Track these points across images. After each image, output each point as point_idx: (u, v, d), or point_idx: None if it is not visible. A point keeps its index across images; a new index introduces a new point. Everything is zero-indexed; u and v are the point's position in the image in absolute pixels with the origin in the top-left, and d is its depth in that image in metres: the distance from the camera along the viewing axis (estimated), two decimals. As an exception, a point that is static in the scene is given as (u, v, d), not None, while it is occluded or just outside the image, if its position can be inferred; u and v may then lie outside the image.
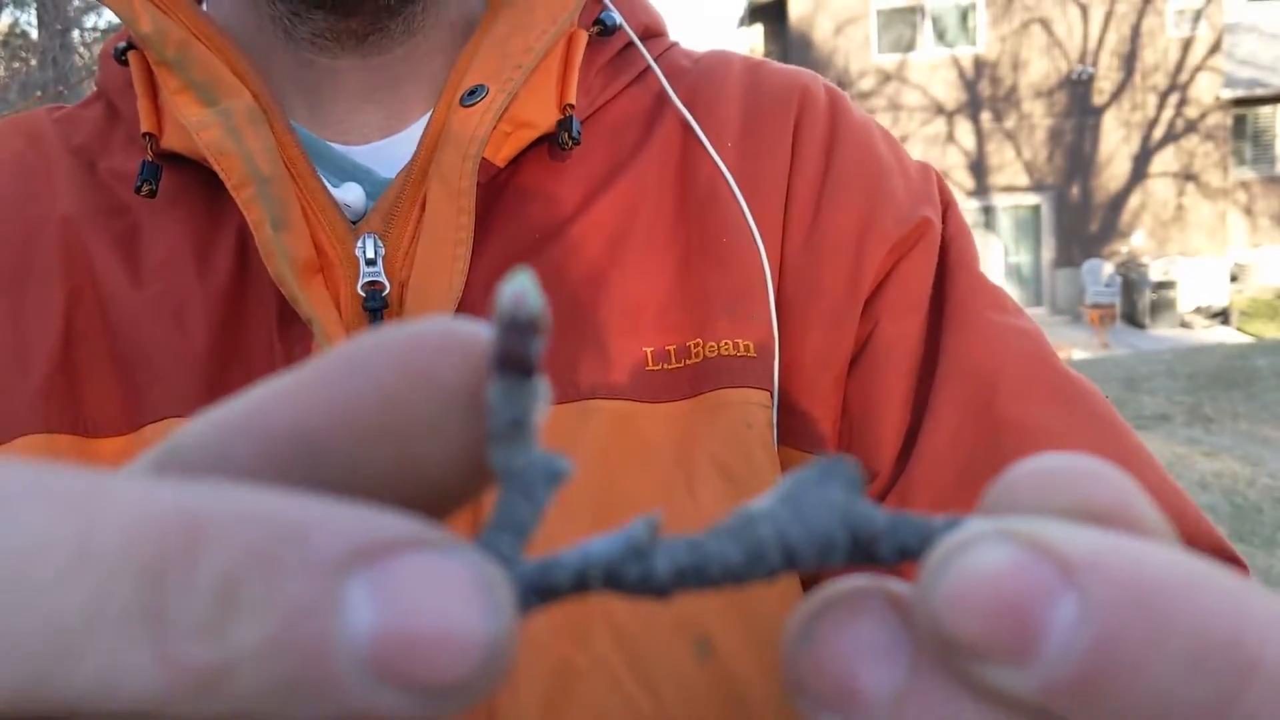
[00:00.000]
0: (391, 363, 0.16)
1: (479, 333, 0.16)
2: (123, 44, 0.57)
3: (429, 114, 0.55)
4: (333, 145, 0.55)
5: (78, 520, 0.13)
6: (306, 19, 0.52)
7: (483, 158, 0.52)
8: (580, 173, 0.56)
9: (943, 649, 0.15)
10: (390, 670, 0.13)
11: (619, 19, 0.59)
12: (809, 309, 0.54)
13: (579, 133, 0.54)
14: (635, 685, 0.49)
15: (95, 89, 0.61)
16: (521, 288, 0.16)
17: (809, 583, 0.54)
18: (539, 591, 0.16)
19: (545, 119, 0.54)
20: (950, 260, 0.56)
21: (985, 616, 0.14)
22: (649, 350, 0.52)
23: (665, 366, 0.52)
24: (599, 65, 0.59)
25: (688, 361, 0.52)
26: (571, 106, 0.54)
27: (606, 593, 0.16)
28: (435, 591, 0.13)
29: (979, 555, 0.14)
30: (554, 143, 0.55)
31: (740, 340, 0.52)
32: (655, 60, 0.60)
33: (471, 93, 0.52)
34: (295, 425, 0.16)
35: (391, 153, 0.55)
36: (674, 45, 0.63)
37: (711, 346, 0.52)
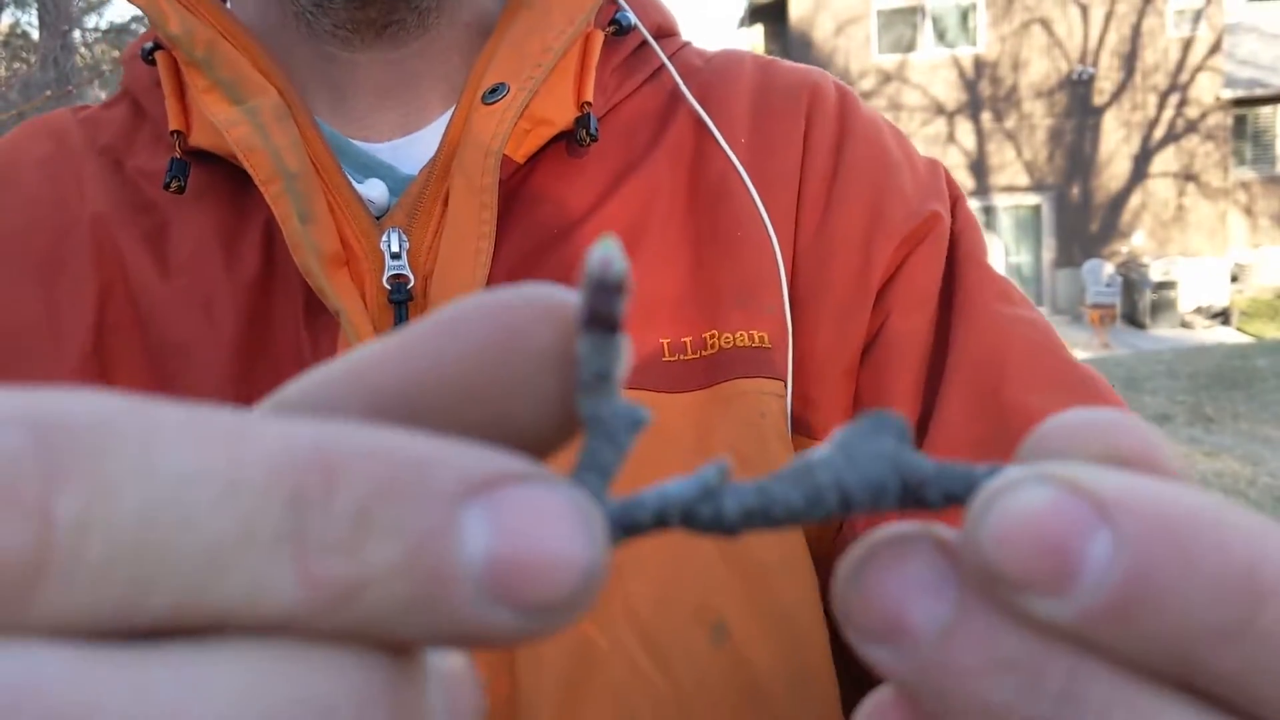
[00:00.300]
0: (489, 325, 0.17)
1: (568, 298, 0.17)
2: (149, 44, 0.58)
3: (449, 112, 0.57)
4: (355, 142, 0.57)
5: (229, 452, 0.14)
6: (327, 9, 0.54)
7: (503, 155, 0.53)
8: (597, 169, 0.57)
9: (988, 583, 0.16)
10: (502, 589, 0.14)
11: (634, 19, 0.61)
12: (821, 302, 0.55)
13: (596, 130, 0.55)
14: (652, 668, 0.50)
15: (114, 88, 0.62)
16: (608, 252, 0.17)
17: (820, 565, 0.55)
18: (624, 527, 0.17)
19: (563, 116, 0.55)
20: (959, 254, 0.58)
21: (1028, 552, 0.15)
22: (665, 342, 0.53)
23: (682, 358, 0.53)
24: (614, 64, 0.60)
25: (703, 353, 0.53)
26: (589, 104, 0.55)
27: (682, 530, 0.17)
28: (541, 520, 0.15)
29: (1021, 496, 0.16)
30: (572, 140, 0.56)
31: (754, 331, 0.54)
32: (669, 59, 0.61)
33: (492, 91, 0.54)
34: (399, 382, 0.17)
35: (412, 150, 0.56)
36: (686, 44, 0.64)
37: (726, 338, 0.53)
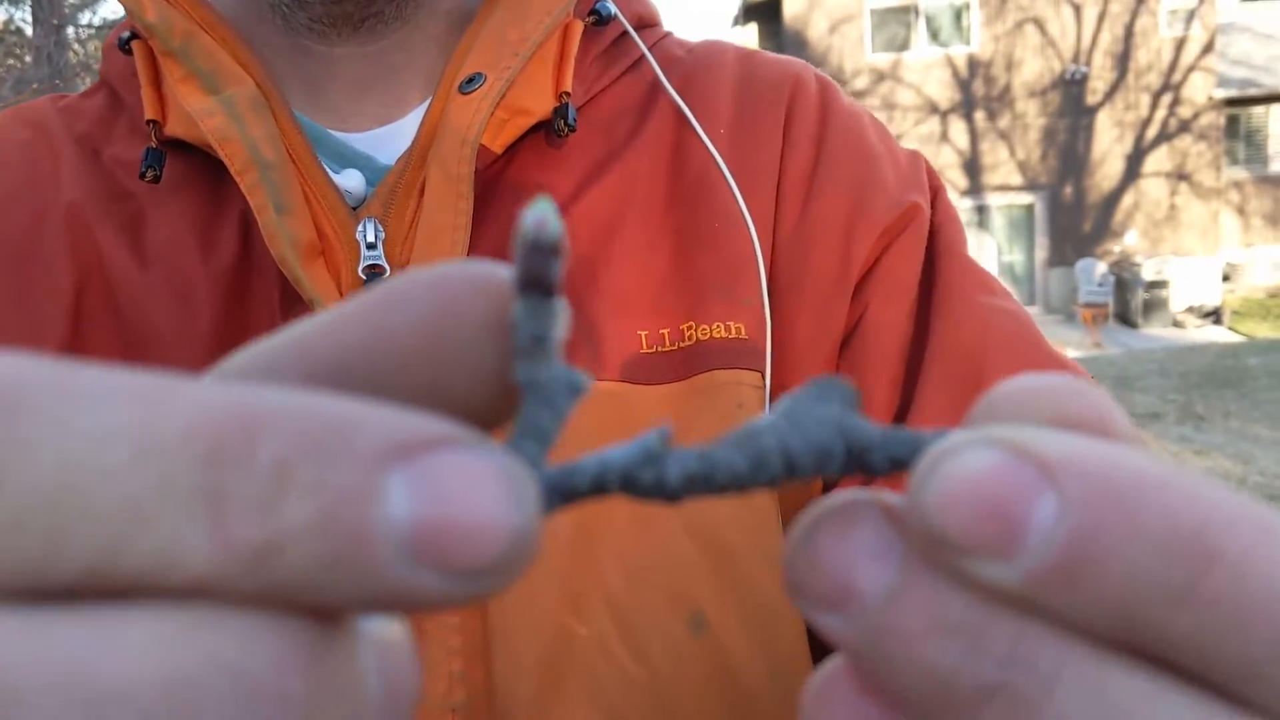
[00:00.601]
0: (427, 298, 0.17)
1: (502, 273, 0.18)
2: (127, 34, 0.58)
3: (427, 102, 0.56)
4: (333, 132, 0.57)
5: (147, 410, 0.14)
6: (304, 3, 0.53)
7: (480, 145, 0.53)
8: (575, 160, 0.57)
9: (933, 547, 0.16)
10: (426, 553, 0.14)
11: (614, 9, 0.60)
12: (800, 293, 0.55)
13: (575, 120, 0.55)
14: (629, 657, 0.50)
15: (97, 80, 0.62)
16: (542, 214, 0.17)
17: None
18: (561, 493, 0.17)
19: (541, 106, 0.55)
20: (939, 245, 0.58)
21: (971, 515, 0.15)
22: (643, 333, 0.53)
23: (660, 349, 0.53)
24: (594, 55, 0.60)
25: (681, 345, 0.53)
26: (567, 94, 0.55)
27: (622, 496, 0.17)
28: (467, 484, 0.15)
29: (964, 460, 0.16)
30: (550, 130, 0.56)
31: (732, 323, 0.54)
32: (649, 50, 0.61)
33: (469, 80, 0.54)
34: (339, 351, 0.17)
35: (390, 140, 0.56)
36: (667, 35, 0.64)
37: (704, 329, 0.53)
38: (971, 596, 0.16)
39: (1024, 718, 0.16)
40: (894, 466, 0.18)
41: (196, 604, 0.14)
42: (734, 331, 0.54)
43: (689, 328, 0.54)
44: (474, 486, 0.15)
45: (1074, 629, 0.16)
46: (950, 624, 0.16)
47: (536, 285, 0.17)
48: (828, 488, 0.55)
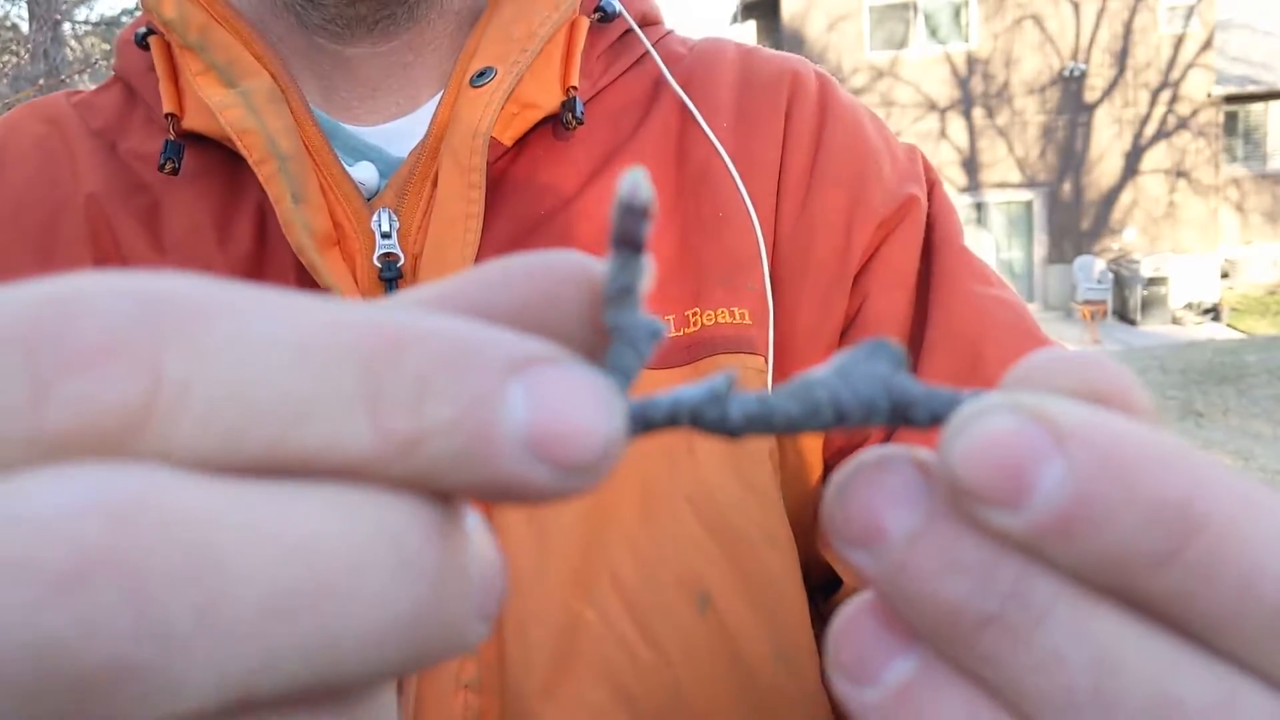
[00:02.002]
0: (527, 283, 0.20)
1: (597, 267, 0.20)
2: (143, 29, 0.59)
3: (437, 96, 0.58)
4: (346, 126, 0.58)
5: (315, 323, 0.16)
6: (318, 5, 0.54)
7: (491, 137, 0.54)
8: (582, 153, 0.58)
9: (953, 494, 0.18)
10: (539, 449, 0.17)
11: (618, 6, 0.62)
12: (802, 282, 0.57)
13: (582, 113, 0.56)
14: (638, 638, 0.51)
15: (111, 75, 0.63)
16: (636, 180, 0.19)
17: (800, 538, 0.56)
18: (640, 423, 0.19)
19: (550, 100, 0.56)
20: (936, 237, 0.59)
21: (989, 469, 0.17)
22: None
23: (667, 335, 0.54)
24: (599, 51, 0.61)
25: (686, 330, 0.55)
26: (575, 88, 0.56)
27: (690, 430, 0.19)
28: (573, 395, 0.17)
29: (990, 420, 0.18)
30: (557, 123, 0.57)
31: (737, 309, 0.55)
32: (653, 46, 0.62)
33: (480, 75, 0.55)
34: (471, 310, 0.20)
35: (402, 133, 0.57)
36: (669, 33, 0.66)
37: (709, 315, 0.55)
38: (983, 540, 0.18)
39: (1015, 644, 0.18)
40: (934, 421, 0.20)
41: (360, 484, 0.16)
42: (738, 318, 0.55)
43: (694, 314, 0.55)
44: (578, 397, 0.17)
45: (1069, 574, 0.18)
46: (961, 563, 0.18)
47: (628, 242, 0.19)
48: (829, 463, 0.56)
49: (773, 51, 0.65)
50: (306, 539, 0.15)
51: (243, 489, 0.15)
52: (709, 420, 0.19)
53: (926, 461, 0.20)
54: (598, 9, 0.61)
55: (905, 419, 0.20)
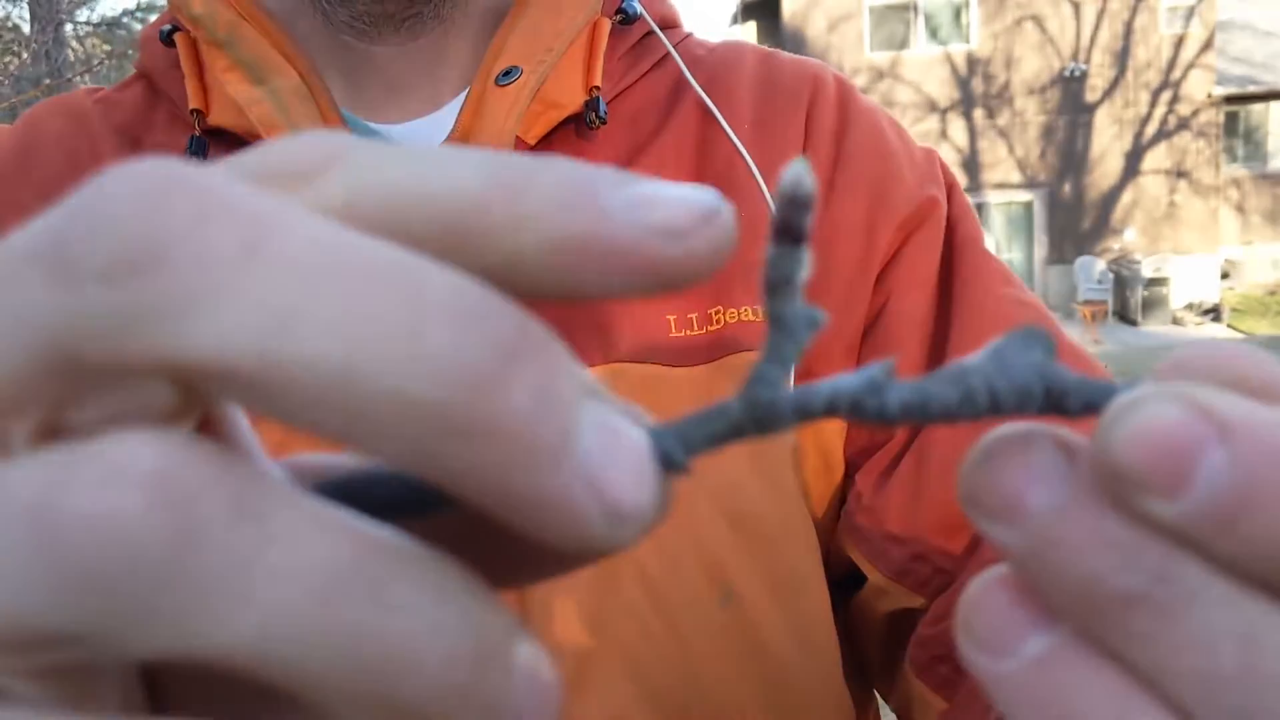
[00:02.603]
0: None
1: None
2: (168, 27, 0.59)
3: (462, 95, 0.58)
4: (371, 124, 0.58)
5: (411, 279, 0.16)
6: (345, 2, 0.55)
7: (515, 135, 0.55)
8: (604, 152, 0.58)
9: (1108, 478, 0.18)
10: (594, 485, 0.16)
11: (640, 9, 0.62)
12: (824, 281, 0.57)
13: (605, 113, 0.57)
14: (662, 629, 0.52)
15: (135, 72, 0.64)
16: (799, 172, 0.19)
17: (821, 533, 0.57)
18: (798, 412, 0.19)
19: (573, 100, 0.56)
20: (956, 239, 0.60)
21: (1150, 456, 0.18)
22: (672, 318, 0.55)
23: (688, 333, 0.55)
24: (620, 52, 0.61)
25: (709, 328, 0.55)
26: (598, 88, 0.57)
27: (848, 418, 0.20)
28: (627, 453, 0.17)
29: (1154, 408, 0.18)
30: (580, 123, 0.58)
31: (759, 307, 0.55)
32: (674, 48, 0.62)
33: (506, 74, 0.55)
34: None
35: (427, 131, 0.58)
36: (689, 36, 0.66)
37: (732, 313, 0.55)
38: (1132, 523, 0.18)
39: (1161, 623, 0.18)
40: (1086, 411, 0.20)
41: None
42: (760, 316, 0.55)
43: (717, 312, 0.55)
44: (634, 458, 0.17)
45: (1218, 562, 0.18)
46: (1108, 540, 0.18)
47: (790, 233, 0.19)
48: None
49: (793, 56, 0.66)
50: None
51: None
52: (868, 410, 0.20)
53: (1068, 440, 0.20)
54: (619, 11, 0.62)
55: (1059, 408, 0.20)
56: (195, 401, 0.17)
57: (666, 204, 0.18)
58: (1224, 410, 0.18)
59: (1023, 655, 0.20)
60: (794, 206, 0.19)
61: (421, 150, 0.18)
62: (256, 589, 0.15)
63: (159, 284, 0.15)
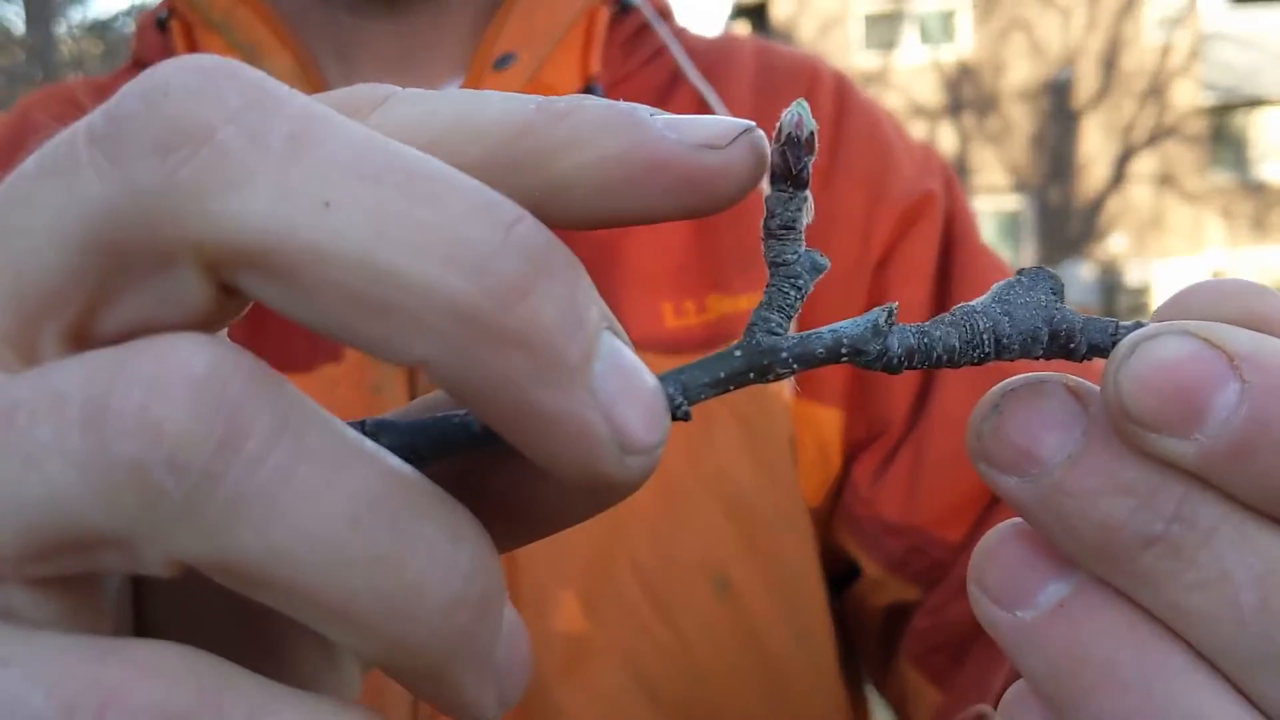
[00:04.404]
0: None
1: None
2: (164, 13, 0.60)
3: (457, 80, 0.58)
4: None
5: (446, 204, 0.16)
6: None
7: None
8: None
9: (1120, 420, 0.18)
10: (610, 417, 0.16)
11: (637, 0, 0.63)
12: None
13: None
14: (657, 620, 0.52)
15: (130, 60, 0.64)
16: (799, 113, 0.18)
17: (821, 539, 0.57)
18: (800, 358, 0.19)
19: (569, 87, 0.57)
20: (954, 231, 0.60)
21: (1162, 394, 0.17)
22: (668, 306, 0.55)
23: (685, 322, 0.55)
24: (617, 42, 0.62)
25: (705, 316, 0.55)
26: (595, 76, 0.57)
27: (850, 363, 0.19)
28: (638, 396, 0.17)
29: (1163, 345, 0.18)
30: None
31: (756, 296, 0.55)
32: (672, 38, 0.63)
33: (502, 60, 0.55)
34: None
35: None
36: (684, 30, 0.66)
37: (729, 302, 0.55)
38: (1146, 465, 0.18)
39: (1179, 563, 0.18)
40: (1092, 352, 0.20)
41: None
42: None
43: (713, 300, 0.55)
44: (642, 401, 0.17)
45: (1234, 497, 0.18)
46: (1124, 485, 0.18)
47: (791, 178, 0.19)
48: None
49: (789, 49, 0.66)
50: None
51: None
52: (870, 354, 0.19)
53: (1078, 387, 0.20)
54: (616, 1, 0.62)
55: (1065, 351, 0.20)
56: (226, 310, 0.17)
57: (703, 123, 0.18)
58: (1235, 344, 0.17)
59: (1040, 605, 0.20)
60: (794, 149, 0.18)
61: (468, 92, 0.18)
62: (288, 503, 0.15)
63: (204, 159, 0.15)
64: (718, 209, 0.18)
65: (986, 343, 0.20)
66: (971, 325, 0.20)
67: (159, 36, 0.60)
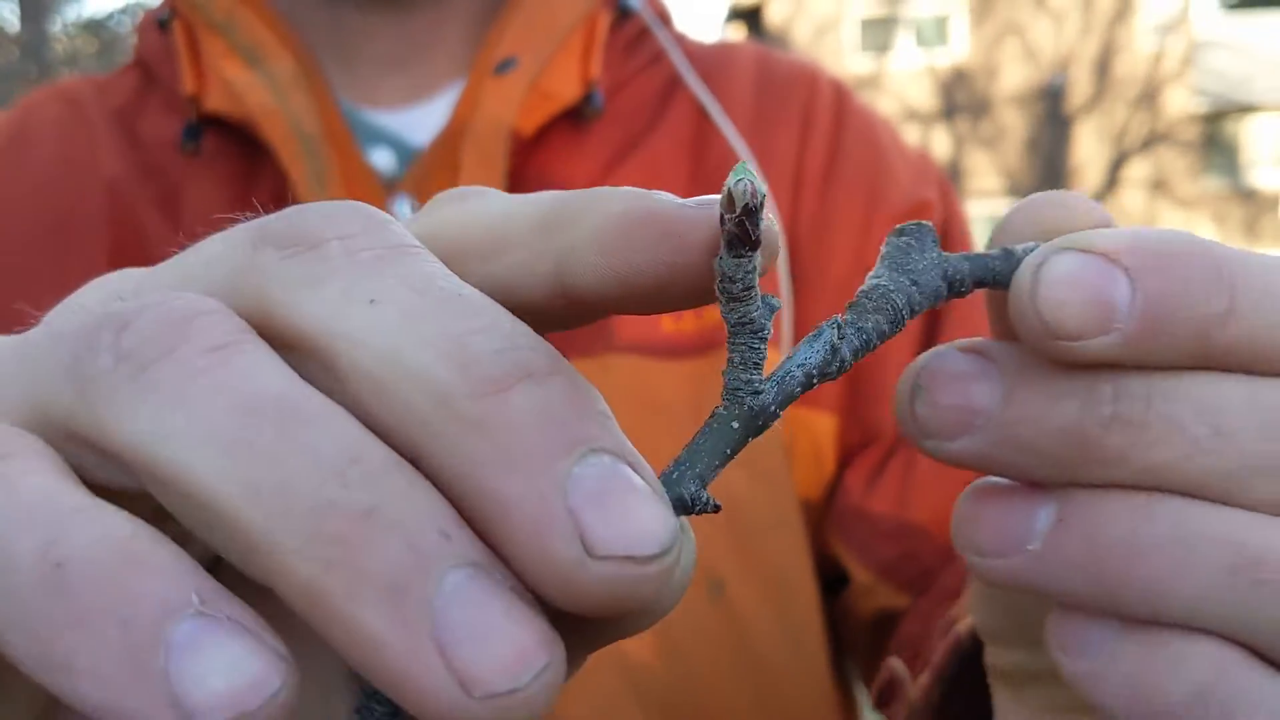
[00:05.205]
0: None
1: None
2: (165, 14, 0.60)
3: (458, 84, 0.59)
4: (363, 110, 0.58)
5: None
6: None
7: (511, 128, 0.55)
8: (599, 146, 0.59)
9: (1049, 342, 0.20)
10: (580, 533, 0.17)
11: (637, 4, 0.63)
12: (820, 276, 0.58)
13: (601, 105, 0.57)
14: None
15: (132, 59, 0.64)
16: (748, 180, 0.19)
17: (814, 542, 0.57)
18: (782, 405, 0.20)
19: (570, 92, 0.57)
20: (950, 238, 0.61)
21: (1078, 307, 0.20)
22: None
23: (680, 327, 0.55)
24: (617, 47, 0.62)
25: (702, 322, 0.55)
26: (595, 81, 0.57)
27: (819, 384, 0.21)
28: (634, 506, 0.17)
29: (1058, 266, 0.20)
30: (575, 116, 0.58)
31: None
32: (671, 45, 0.63)
33: (503, 64, 0.56)
34: None
35: (420, 120, 0.58)
36: (683, 35, 0.67)
37: None
38: (1072, 370, 0.21)
39: (1137, 430, 0.20)
40: (977, 286, 0.22)
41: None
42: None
43: (710, 307, 0.56)
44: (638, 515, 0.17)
45: (1155, 366, 0.21)
46: (1062, 391, 0.21)
47: (746, 242, 0.19)
48: None
49: (789, 56, 0.67)
50: None
51: None
52: (832, 372, 0.21)
53: (967, 344, 0.22)
54: (616, 6, 0.62)
55: (957, 294, 0.22)
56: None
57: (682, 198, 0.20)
58: (1104, 243, 0.20)
59: (1040, 531, 0.21)
60: (752, 215, 0.19)
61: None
62: (193, 393, 0.17)
63: (305, 258, 0.19)
64: (690, 260, 0.20)
65: (905, 315, 0.21)
66: (892, 305, 0.21)
67: (160, 37, 0.60)
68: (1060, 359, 0.21)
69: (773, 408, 0.20)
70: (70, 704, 0.16)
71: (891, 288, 0.21)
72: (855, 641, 0.59)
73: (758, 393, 0.20)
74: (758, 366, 0.20)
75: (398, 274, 0.18)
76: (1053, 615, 0.23)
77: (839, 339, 0.21)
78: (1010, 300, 0.21)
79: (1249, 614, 0.20)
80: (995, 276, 0.22)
